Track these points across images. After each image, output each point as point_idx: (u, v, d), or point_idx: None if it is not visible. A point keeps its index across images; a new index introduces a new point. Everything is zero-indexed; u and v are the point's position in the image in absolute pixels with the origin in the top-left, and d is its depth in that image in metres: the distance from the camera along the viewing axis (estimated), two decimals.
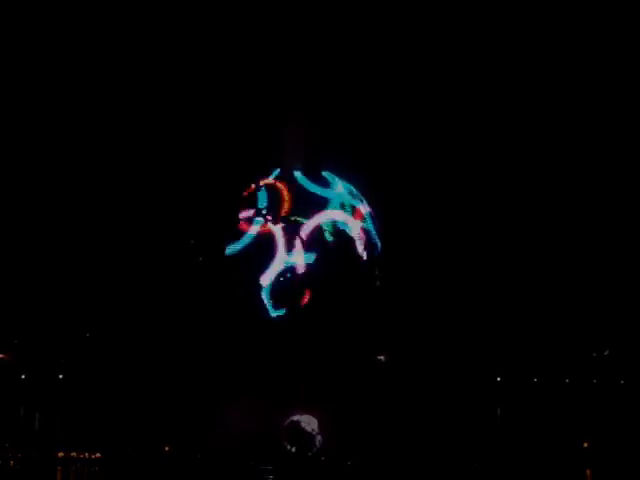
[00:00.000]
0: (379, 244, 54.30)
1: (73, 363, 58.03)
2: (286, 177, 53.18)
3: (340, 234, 53.16)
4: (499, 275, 58.13)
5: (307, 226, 51.13)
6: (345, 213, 52.62)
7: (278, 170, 53.20)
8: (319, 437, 35.39)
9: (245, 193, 53.26)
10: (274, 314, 51.03)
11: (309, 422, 35.17)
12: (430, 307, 56.98)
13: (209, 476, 24.80)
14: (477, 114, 58.01)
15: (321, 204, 52.54)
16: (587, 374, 60.30)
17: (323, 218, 51.70)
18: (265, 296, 51.51)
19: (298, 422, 35.30)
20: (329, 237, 51.56)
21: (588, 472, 24.68)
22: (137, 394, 51.61)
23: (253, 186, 52.98)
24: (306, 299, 51.83)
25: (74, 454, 27.17)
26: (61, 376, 57.46)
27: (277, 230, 51.36)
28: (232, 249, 51.40)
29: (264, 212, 51.64)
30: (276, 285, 51.33)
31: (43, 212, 57.38)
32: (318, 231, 52.07)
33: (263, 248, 51.76)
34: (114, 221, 57.00)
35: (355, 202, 53.67)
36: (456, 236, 57.61)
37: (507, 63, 57.00)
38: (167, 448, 29.20)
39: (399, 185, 56.45)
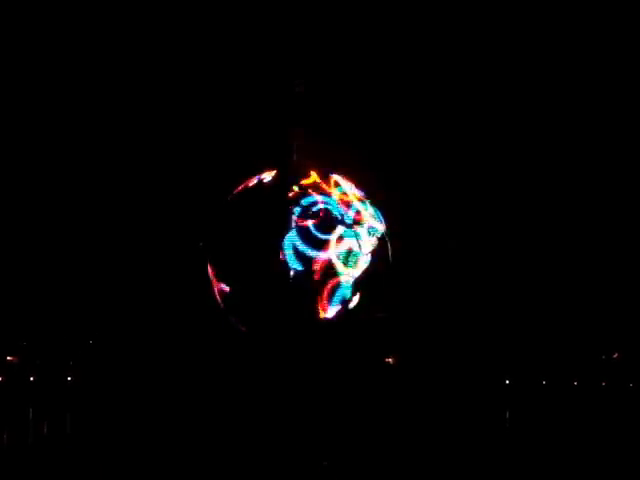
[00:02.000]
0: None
1: (82, 365, 58.14)
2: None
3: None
4: (507, 278, 58.01)
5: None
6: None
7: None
8: None
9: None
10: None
11: None
12: (438, 309, 56.88)
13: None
14: (478, 115, 58.01)
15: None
16: (596, 377, 60.12)
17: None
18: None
19: None
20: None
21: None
22: (147, 395, 51.72)
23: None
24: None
25: None
26: (69, 378, 57.62)
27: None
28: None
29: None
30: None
31: (49, 216, 57.46)
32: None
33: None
34: (121, 223, 57.06)
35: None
36: (463, 239, 57.52)
37: (507, 63, 56.96)
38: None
39: (406, 188, 56.45)
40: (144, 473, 23.86)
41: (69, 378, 57.47)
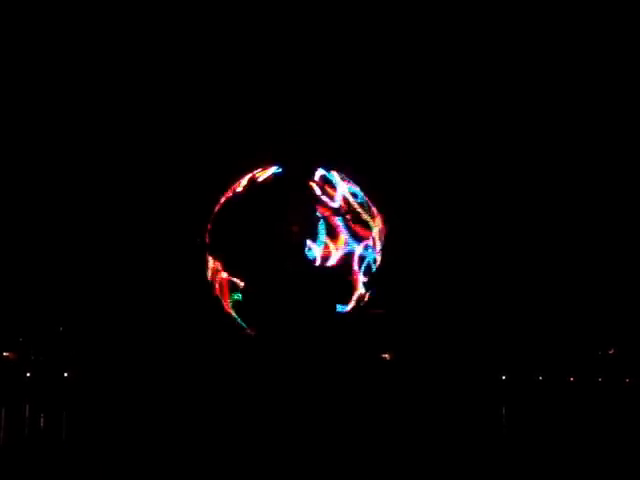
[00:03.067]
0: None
1: (78, 362, 58.15)
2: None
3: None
4: (504, 275, 58.11)
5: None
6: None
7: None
8: None
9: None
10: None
11: None
12: (435, 307, 56.96)
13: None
14: (477, 114, 58.05)
15: None
16: (592, 372, 60.28)
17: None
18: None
19: None
20: None
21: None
22: (145, 392, 51.74)
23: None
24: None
25: None
26: (66, 374, 57.65)
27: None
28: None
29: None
30: None
31: (48, 215, 57.43)
32: None
33: None
34: (119, 221, 57.05)
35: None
36: (461, 237, 57.60)
37: (506, 63, 56.98)
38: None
39: (405, 187, 56.51)
40: (141, 471, 23.85)
41: (65, 374, 57.50)
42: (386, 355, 57.27)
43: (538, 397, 56.51)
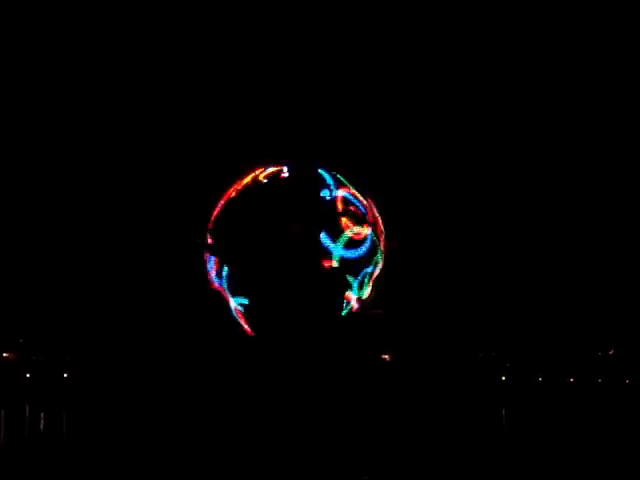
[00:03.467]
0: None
1: (78, 362, 58.16)
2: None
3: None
4: (503, 276, 58.12)
5: None
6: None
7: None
8: None
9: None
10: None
11: None
12: (435, 307, 56.96)
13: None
14: (477, 115, 58.08)
15: None
16: (592, 373, 60.28)
17: None
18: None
19: None
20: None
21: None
22: (145, 393, 51.74)
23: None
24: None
25: None
26: (66, 375, 57.66)
27: None
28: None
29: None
30: None
31: (47, 215, 57.44)
32: None
33: None
34: (120, 222, 57.06)
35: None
36: (460, 238, 57.61)
37: (507, 64, 57.02)
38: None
39: (404, 186, 56.52)
40: (141, 470, 23.85)
41: (65, 375, 57.51)
42: (386, 356, 57.25)
43: (538, 398, 56.50)
